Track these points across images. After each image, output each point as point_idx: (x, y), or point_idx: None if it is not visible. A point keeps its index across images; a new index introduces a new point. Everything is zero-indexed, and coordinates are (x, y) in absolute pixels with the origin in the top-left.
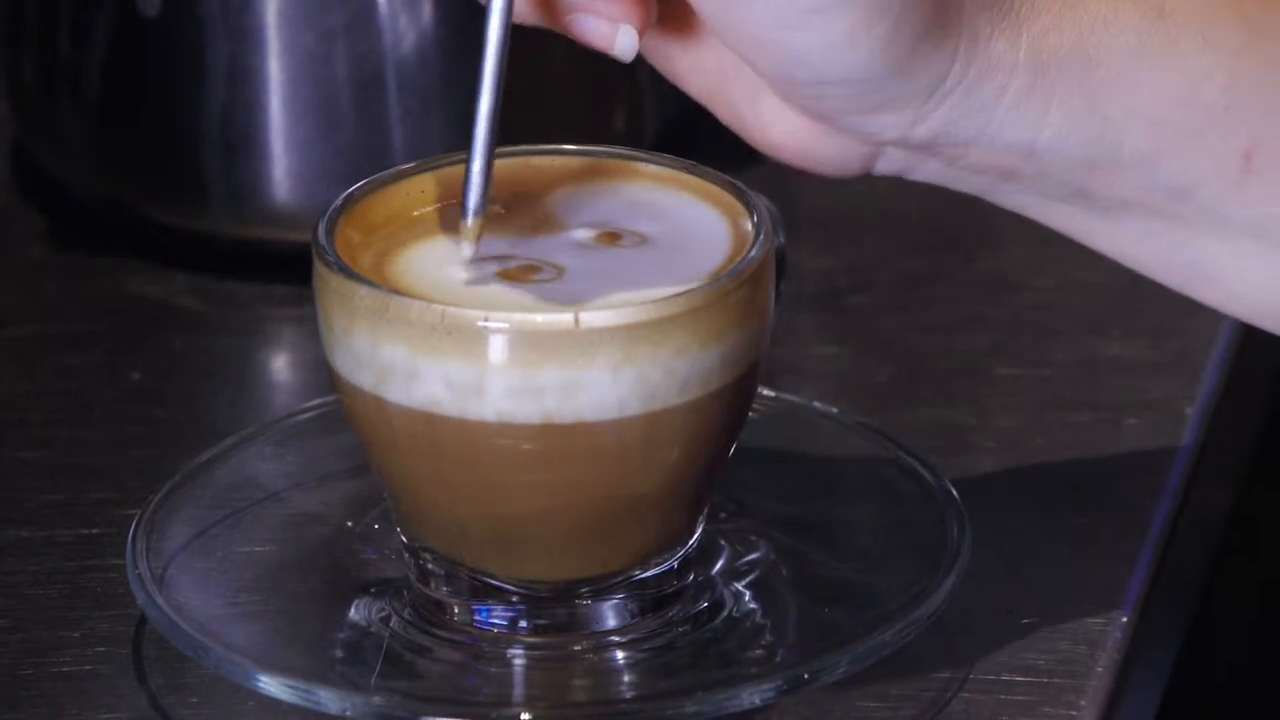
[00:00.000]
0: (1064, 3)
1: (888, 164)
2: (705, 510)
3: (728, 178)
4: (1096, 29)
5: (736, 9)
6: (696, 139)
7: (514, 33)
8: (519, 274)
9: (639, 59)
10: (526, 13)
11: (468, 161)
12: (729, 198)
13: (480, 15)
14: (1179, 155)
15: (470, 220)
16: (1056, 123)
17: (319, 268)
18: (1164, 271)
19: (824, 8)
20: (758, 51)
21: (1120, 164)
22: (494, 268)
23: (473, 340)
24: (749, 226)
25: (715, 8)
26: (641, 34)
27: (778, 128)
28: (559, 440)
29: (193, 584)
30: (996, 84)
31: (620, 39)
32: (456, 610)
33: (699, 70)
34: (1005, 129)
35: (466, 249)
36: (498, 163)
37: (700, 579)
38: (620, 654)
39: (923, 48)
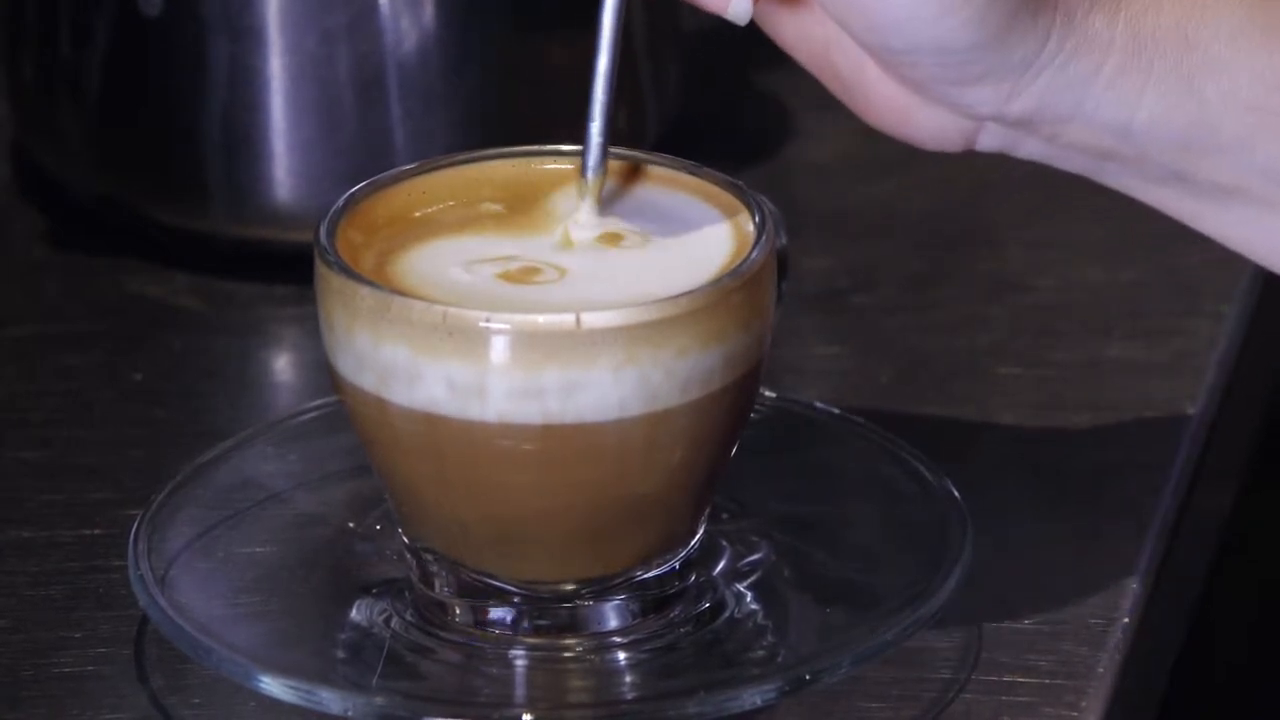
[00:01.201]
0: None
1: (989, 140)
2: (707, 511)
3: (729, 178)
4: (1196, 10)
5: None
6: (698, 139)
7: (517, 32)
8: (520, 275)
9: (639, 64)
10: None
11: (586, 120)
12: (730, 198)
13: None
14: (1277, 140)
15: (590, 177)
16: (1152, 104)
17: (321, 268)
18: (1271, 257)
19: None
20: (856, 18)
21: (1217, 148)
22: (495, 269)
23: (474, 341)
24: (750, 227)
25: None
26: None
27: (880, 99)
28: (560, 441)
29: (194, 584)
30: (1092, 61)
31: (735, 3)
32: (458, 611)
33: (806, 39)
34: (1101, 107)
35: (586, 208)
36: (500, 163)
37: (702, 580)
38: (622, 655)
39: (1019, 20)
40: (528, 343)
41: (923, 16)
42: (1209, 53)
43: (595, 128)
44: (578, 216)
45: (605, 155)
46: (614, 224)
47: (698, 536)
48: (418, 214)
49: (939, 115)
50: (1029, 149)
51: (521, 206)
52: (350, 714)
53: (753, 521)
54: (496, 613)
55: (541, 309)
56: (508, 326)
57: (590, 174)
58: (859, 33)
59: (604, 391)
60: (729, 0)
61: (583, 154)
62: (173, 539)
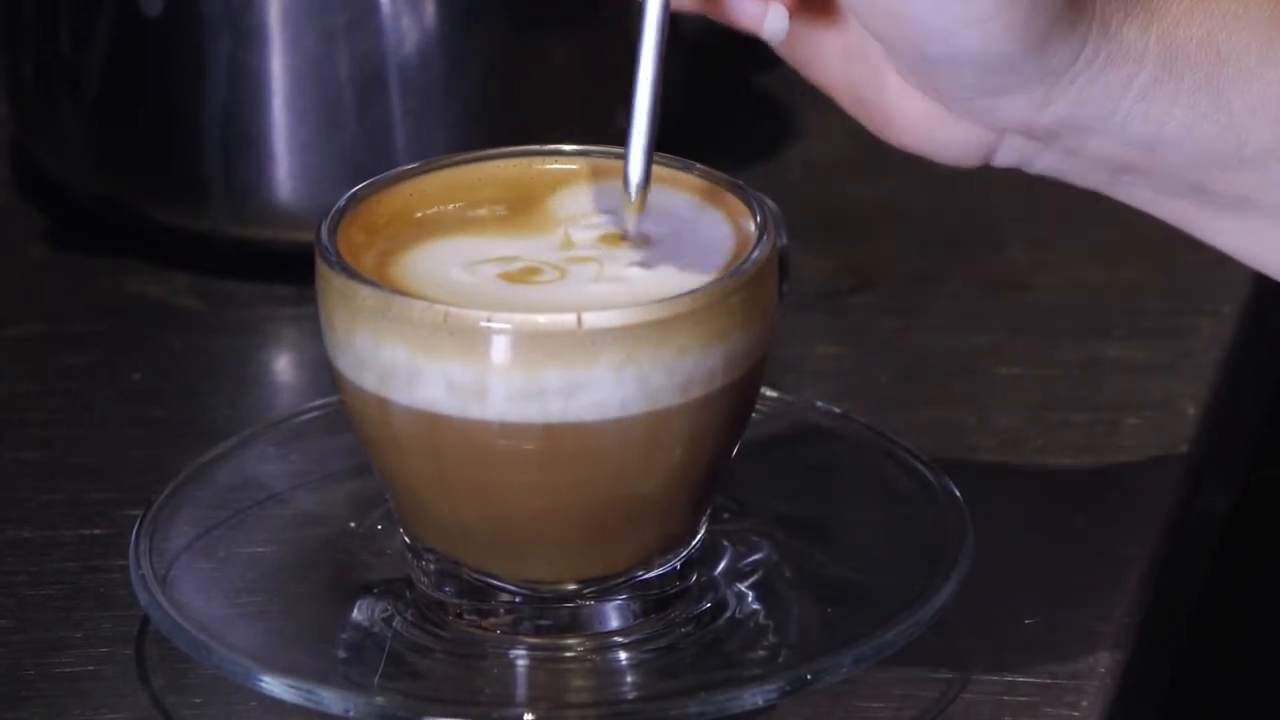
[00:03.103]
0: None
1: (1008, 154)
2: (708, 511)
3: (730, 178)
4: (1228, 23)
5: None
6: (698, 139)
7: (517, 32)
8: (521, 275)
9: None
10: None
11: (627, 132)
12: (731, 198)
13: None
14: None
15: (634, 193)
16: (1181, 116)
17: (322, 268)
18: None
19: None
20: (896, 28)
21: (1241, 161)
22: (496, 269)
23: (475, 341)
24: (751, 227)
25: None
26: (791, 15)
27: (902, 115)
28: (561, 441)
29: (195, 584)
30: (1125, 73)
31: (770, 19)
32: (459, 611)
33: (824, 58)
34: (1130, 120)
35: (630, 221)
36: (501, 163)
37: (703, 580)
38: (623, 655)
39: (1057, 28)
40: (529, 343)
41: (967, 24)
42: (1240, 65)
43: (638, 140)
44: (625, 228)
45: (649, 169)
46: (615, 224)
47: (699, 536)
48: (419, 214)
49: (961, 129)
50: (1046, 163)
51: (522, 207)
52: (351, 714)
53: (754, 521)
54: (497, 613)
55: (542, 309)
56: (509, 326)
57: (634, 190)
58: (900, 44)
59: (605, 391)
60: (764, 18)
61: (624, 168)
62: (173, 539)
